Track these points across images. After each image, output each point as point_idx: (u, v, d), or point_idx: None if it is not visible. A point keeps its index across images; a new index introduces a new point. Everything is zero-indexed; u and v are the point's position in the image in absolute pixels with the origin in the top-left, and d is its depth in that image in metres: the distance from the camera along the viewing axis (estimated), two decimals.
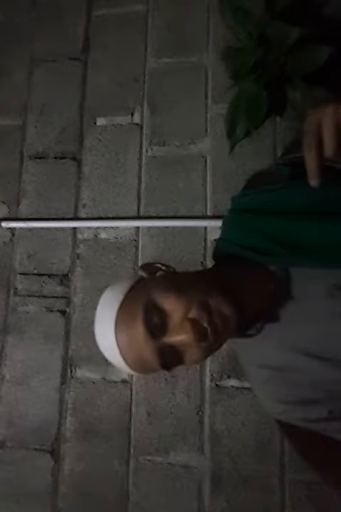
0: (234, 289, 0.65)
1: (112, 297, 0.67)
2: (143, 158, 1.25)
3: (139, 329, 0.60)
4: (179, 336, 0.60)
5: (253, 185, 0.83)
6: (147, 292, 0.62)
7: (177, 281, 0.65)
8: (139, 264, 1.18)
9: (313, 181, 0.57)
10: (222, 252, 0.79)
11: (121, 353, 0.63)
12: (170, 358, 0.62)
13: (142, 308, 0.61)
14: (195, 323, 0.59)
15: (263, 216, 0.72)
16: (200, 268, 1.14)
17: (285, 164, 0.80)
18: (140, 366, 0.64)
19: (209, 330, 0.59)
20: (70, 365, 1.18)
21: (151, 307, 0.61)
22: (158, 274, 0.69)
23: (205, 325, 0.59)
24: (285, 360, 0.69)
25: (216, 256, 0.81)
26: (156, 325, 0.60)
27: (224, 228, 0.83)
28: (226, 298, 0.62)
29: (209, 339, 0.60)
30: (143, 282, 0.67)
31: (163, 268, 0.69)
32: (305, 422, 0.70)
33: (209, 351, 0.64)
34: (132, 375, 1.14)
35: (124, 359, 0.63)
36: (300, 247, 0.68)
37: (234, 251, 0.74)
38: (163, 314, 0.60)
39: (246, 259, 0.72)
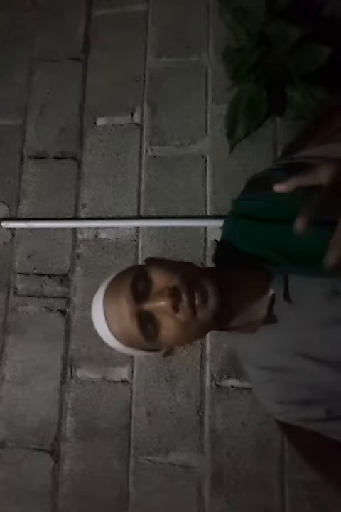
0: (226, 285, 0.67)
1: (102, 285, 0.73)
2: (143, 158, 1.25)
3: (125, 293, 0.65)
4: (157, 302, 0.63)
5: (252, 190, 0.83)
6: (141, 266, 0.68)
7: (173, 262, 0.69)
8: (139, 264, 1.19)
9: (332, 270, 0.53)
10: (221, 255, 0.79)
11: (106, 322, 0.68)
12: (148, 326, 0.65)
13: (133, 275, 0.66)
14: (173, 291, 0.62)
15: (261, 223, 0.73)
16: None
17: (280, 169, 0.80)
18: (122, 334, 0.68)
19: (186, 300, 0.62)
20: (70, 365, 1.18)
21: (141, 276, 0.66)
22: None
23: (183, 295, 0.62)
24: (283, 362, 0.70)
25: (216, 259, 0.82)
26: (141, 291, 0.65)
27: (224, 232, 0.83)
28: (213, 282, 0.65)
29: (185, 310, 0.62)
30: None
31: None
32: (304, 422, 0.70)
33: (185, 330, 0.65)
34: (132, 373, 1.14)
35: (109, 328, 0.68)
36: (297, 255, 0.69)
37: (233, 256, 0.74)
38: (149, 283, 0.65)
39: (245, 264, 0.72)
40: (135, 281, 0.66)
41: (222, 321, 0.70)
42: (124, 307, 0.65)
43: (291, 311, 0.69)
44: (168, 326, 0.65)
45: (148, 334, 0.66)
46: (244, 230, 0.77)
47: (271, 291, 0.71)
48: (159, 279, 0.65)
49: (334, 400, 0.67)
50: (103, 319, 0.70)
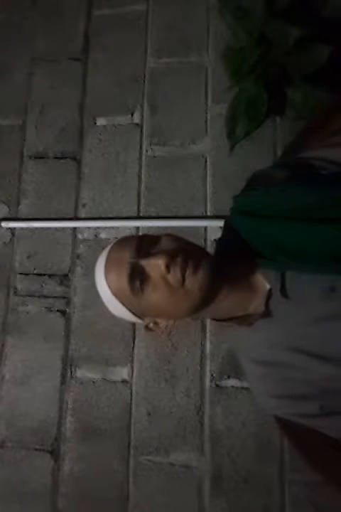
0: (221, 271, 0.71)
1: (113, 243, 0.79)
2: (143, 158, 1.25)
3: (131, 243, 0.71)
4: (153, 259, 0.68)
5: (253, 186, 0.84)
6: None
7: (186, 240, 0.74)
8: None
9: None
10: (221, 250, 0.80)
11: (105, 266, 0.73)
12: (138, 279, 0.69)
13: (144, 235, 0.74)
14: (170, 253, 0.67)
15: (261, 219, 0.74)
16: None
17: (281, 166, 0.80)
18: (114, 281, 0.73)
19: (179, 264, 0.66)
20: (70, 365, 1.18)
21: (151, 237, 0.71)
22: None
23: (178, 259, 0.66)
24: (278, 357, 0.71)
25: (216, 254, 0.83)
26: (145, 249, 0.70)
27: (224, 227, 0.84)
28: (209, 260, 0.69)
29: (175, 274, 0.66)
30: None
31: None
32: (297, 417, 0.71)
33: (171, 295, 0.69)
34: (132, 373, 1.14)
35: (105, 271, 0.73)
36: (294, 251, 0.70)
37: (232, 250, 0.75)
38: (154, 245, 0.70)
39: (244, 259, 0.73)
40: (144, 238, 0.72)
41: (209, 300, 0.72)
42: (124, 254, 0.70)
43: (288, 306, 0.70)
44: (155, 285, 0.69)
45: (135, 287, 0.70)
46: (243, 226, 0.78)
47: (268, 286, 0.71)
48: (165, 242, 0.70)
49: (328, 395, 0.68)
50: (103, 264, 0.74)
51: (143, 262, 0.69)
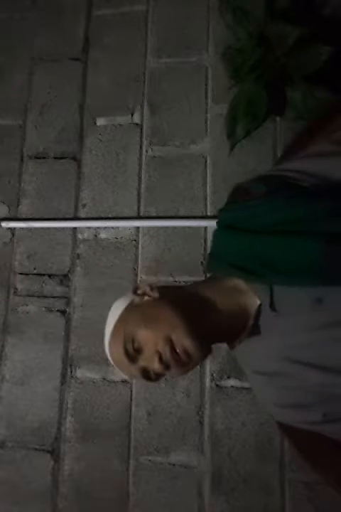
0: (205, 313, 0.72)
1: (112, 314, 0.78)
2: (143, 158, 1.25)
3: (121, 354, 0.72)
4: (150, 365, 0.70)
5: (233, 200, 0.84)
6: (127, 323, 0.73)
7: (149, 314, 0.73)
8: (139, 265, 1.19)
9: None
10: (211, 267, 0.81)
11: (114, 362, 0.76)
12: (152, 375, 0.73)
13: (122, 337, 0.72)
14: (161, 355, 0.69)
15: (243, 233, 0.74)
16: (200, 268, 1.14)
17: (261, 180, 0.80)
18: (130, 375, 0.79)
19: (172, 362, 0.68)
20: (70, 365, 1.18)
21: (128, 338, 0.71)
22: (145, 299, 0.76)
23: (168, 358, 0.68)
24: (274, 367, 0.72)
25: (207, 270, 0.84)
26: (132, 353, 0.71)
27: (213, 243, 0.84)
28: (190, 333, 0.69)
29: (174, 370, 0.70)
30: (131, 306, 0.76)
31: (150, 293, 0.75)
32: (302, 424, 0.72)
33: (182, 372, 0.72)
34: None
35: (117, 367, 0.76)
36: (279, 265, 0.70)
37: (221, 267, 0.76)
38: (137, 344, 0.71)
39: (231, 275, 0.74)
40: (125, 345, 0.72)
41: (210, 345, 0.74)
42: (126, 365, 0.73)
43: (277, 319, 0.70)
44: (169, 374, 0.72)
45: (154, 378, 0.74)
46: (227, 241, 0.78)
47: (258, 302, 0.72)
48: (144, 341, 0.70)
49: (328, 402, 0.68)
50: (111, 359, 0.77)
51: (143, 365, 0.72)
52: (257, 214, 0.73)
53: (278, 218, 0.71)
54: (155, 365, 0.69)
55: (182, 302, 0.73)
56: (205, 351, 0.71)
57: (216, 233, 0.83)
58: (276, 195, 0.73)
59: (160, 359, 0.69)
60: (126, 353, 0.72)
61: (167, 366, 0.69)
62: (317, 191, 0.71)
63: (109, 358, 0.77)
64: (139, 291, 0.77)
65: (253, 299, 0.72)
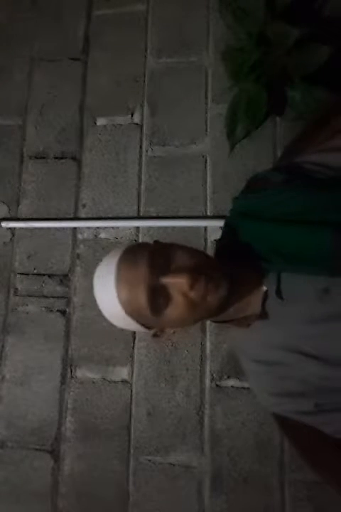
0: (230, 279, 0.70)
1: (113, 253, 0.72)
2: (143, 158, 1.25)
3: (144, 263, 0.65)
4: (176, 277, 0.65)
5: (253, 189, 0.85)
6: (158, 242, 0.71)
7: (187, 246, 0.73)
8: None
9: None
10: (222, 252, 0.81)
11: (117, 286, 0.67)
12: (159, 299, 0.66)
13: (151, 248, 0.68)
14: (193, 269, 0.65)
15: (258, 221, 0.75)
16: None
17: (279, 169, 0.81)
18: (129, 301, 0.67)
19: (202, 281, 0.64)
20: (70, 365, 1.18)
21: (160, 250, 0.67)
22: None
23: (201, 276, 0.65)
24: (274, 356, 0.72)
25: (216, 255, 0.84)
26: (159, 265, 0.66)
27: (224, 228, 0.84)
28: (225, 272, 0.68)
29: (199, 290, 0.65)
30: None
31: None
32: (295, 414, 0.73)
33: (191, 310, 0.67)
34: (132, 373, 1.14)
35: (118, 292, 0.67)
36: (290, 253, 0.71)
37: (231, 252, 0.77)
38: (167, 259, 0.66)
39: (242, 260, 0.74)
40: (155, 254, 0.67)
41: (223, 309, 0.73)
42: (141, 276, 0.65)
43: (283, 307, 0.71)
44: (178, 303, 0.66)
45: (157, 308, 0.67)
46: (241, 228, 0.79)
47: (264, 288, 0.73)
48: (180, 256, 0.67)
49: (322, 393, 0.69)
50: (113, 283, 0.68)
51: (165, 280, 0.66)
52: (273, 203, 0.75)
53: (293, 208, 0.72)
54: (182, 277, 0.64)
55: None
56: (224, 300, 0.69)
57: (229, 219, 0.84)
58: (293, 185, 0.74)
59: (191, 272, 0.65)
60: (154, 259, 0.66)
61: (192, 283, 0.64)
62: (333, 184, 0.72)
63: (111, 276, 0.69)
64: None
65: (260, 286, 0.73)
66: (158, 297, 0.66)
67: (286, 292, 0.71)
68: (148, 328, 0.75)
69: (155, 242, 0.77)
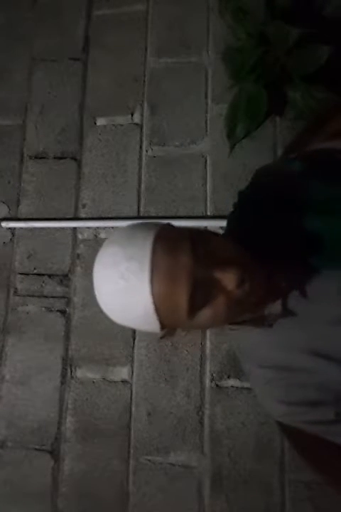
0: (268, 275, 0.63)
1: (128, 232, 0.60)
2: (143, 158, 1.25)
3: (186, 251, 0.55)
4: (226, 273, 0.55)
5: (263, 179, 0.80)
6: (196, 229, 0.58)
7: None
8: None
9: None
10: (246, 243, 0.75)
11: (151, 276, 0.54)
12: (200, 297, 0.56)
13: (188, 235, 0.56)
14: (240, 264, 0.56)
15: (281, 211, 0.69)
16: None
17: (296, 158, 0.77)
18: (165, 295, 0.55)
19: (252, 279, 0.57)
20: (70, 365, 1.18)
21: (200, 238, 0.56)
22: None
23: (252, 273, 0.57)
24: (292, 360, 0.67)
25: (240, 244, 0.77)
26: (201, 255, 0.55)
27: (227, 223, 0.79)
28: (262, 270, 0.61)
29: (245, 290, 0.57)
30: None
31: None
32: (308, 424, 0.67)
33: (230, 309, 0.59)
34: (132, 373, 1.14)
35: (153, 283, 0.54)
36: (316, 245, 0.65)
37: (253, 246, 0.68)
38: (209, 248, 0.57)
39: (279, 254, 0.67)
40: (196, 242, 0.56)
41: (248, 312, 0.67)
42: (184, 267, 0.54)
43: (305, 306, 0.66)
44: (218, 302, 0.57)
45: (196, 306, 0.56)
46: (264, 219, 0.71)
47: (285, 284, 0.67)
48: (223, 247, 0.58)
49: None
50: (147, 273, 0.54)
51: (210, 273, 0.55)
52: (297, 192, 0.69)
53: (314, 197, 0.67)
54: (232, 273, 0.55)
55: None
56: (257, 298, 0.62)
57: (237, 213, 0.78)
58: (312, 174, 0.69)
59: (241, 267, 0.55)
60: (196, 248, 0.55)
61: (242, 280, 0.56)
62: None
63: (145, 265, 0.55)
64: None
65: (280, 281, 0.66)
66: (199, 291, 0.55)
67: (310, 290, 0.65)
68: (163, 328, 0.63)
69: (169, 225, 0.63)
